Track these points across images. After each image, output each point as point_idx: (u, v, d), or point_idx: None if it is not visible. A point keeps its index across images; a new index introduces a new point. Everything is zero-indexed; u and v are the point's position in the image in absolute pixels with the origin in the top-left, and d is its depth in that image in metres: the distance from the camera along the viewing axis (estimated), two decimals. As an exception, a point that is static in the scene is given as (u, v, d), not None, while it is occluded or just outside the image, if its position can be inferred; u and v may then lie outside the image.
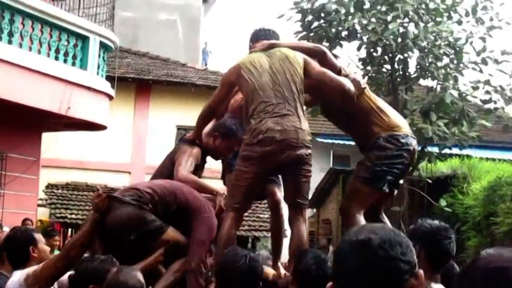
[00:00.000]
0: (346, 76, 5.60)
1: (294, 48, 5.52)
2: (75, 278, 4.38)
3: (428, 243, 3.80)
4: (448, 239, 3.85)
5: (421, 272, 2.04)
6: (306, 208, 5.38)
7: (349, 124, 5.95)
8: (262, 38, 5.61)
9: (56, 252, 11.31)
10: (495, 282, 2.04)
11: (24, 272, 4.66)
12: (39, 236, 5.02)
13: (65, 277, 4.86)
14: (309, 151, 5.19)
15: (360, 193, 5.63)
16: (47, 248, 5.05)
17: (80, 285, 4.30)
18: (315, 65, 5.38)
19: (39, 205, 17.34)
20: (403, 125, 5.72)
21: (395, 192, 6.02)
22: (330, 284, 2.14)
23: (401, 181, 6.19)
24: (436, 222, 3.92)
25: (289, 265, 5.25)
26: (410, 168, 6.16)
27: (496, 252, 2.12)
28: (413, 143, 5.67)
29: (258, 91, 5.17)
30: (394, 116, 5.74)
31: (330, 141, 22.85)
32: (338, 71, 5.56)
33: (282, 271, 5.59)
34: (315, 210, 25.40)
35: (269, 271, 5.48)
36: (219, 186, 6.05)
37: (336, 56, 14.62)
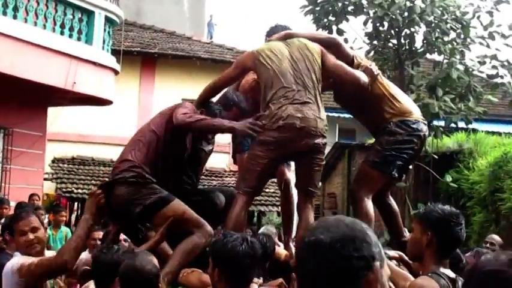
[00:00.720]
0: (359, 65, 5.63)
1: (309, 38, 5.53)
2: (95, 269, 4.30)
3: (440, 229, 3.80)
4: (459, 226, 3.85)
5: (377, 264, 2.00)
6: (315, 196, 5.45)
7: (360, 110, 5.99)
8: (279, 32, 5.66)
9: (63, 228, 11.40)
10: (487, 284, 2.05)
11: (19, 260, 4.64)
12: (17, 226, 4.80)
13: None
14: (325, 140, 5.28)
15: (369, 177, 5.68)
16: (23, 239, 4.79)
17: (101, 277, 4.23)
18: (330, 56, 5.44)
19: (45, 179, 17.37)
20: (414, 110, 5.75)
21: (404, 176, 6.03)
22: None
23: (410, 166, 6.24)
24: (447, 207, 3.92)
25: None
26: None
27: (493, 256, 2.15)
28: (424, 128, 5.72)
29: (278, 76, 5.21)
30: (405, 101, 5.77)
31: (335, 114, 22.71)
32: (351, 61, 5.62)
33: (294, 251, 5.58)
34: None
35: (281, 251, 5.55)
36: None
37: (342, 32, 14.93)
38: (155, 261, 4.15)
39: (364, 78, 5.42)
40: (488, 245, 8.08)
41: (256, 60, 5.33)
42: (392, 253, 4.50)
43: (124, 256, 4.10)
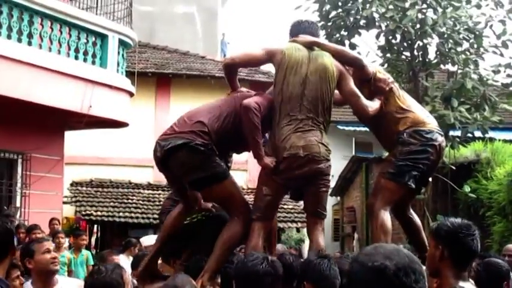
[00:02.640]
0: (379, 81, 5.63)
1: (335, 54, 5.49)
2: None
3: (450, 242, 3.78)
4: (470, 236, 3.80)
5: None
6: (324, 218, 5.47)
7: (376, 125, 5.91)
8: (303, 32, 5.58)
9: (84, 251, 11.44)
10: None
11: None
12: (38, 247, 5.00)
13: None
14: (329, 163, 5.31)
15: (385, 189, 5.63)
16: (47, 257, 4.98)
17: None
18: (348, 81, 5.43)
19: (64, 203, 17.42)
20: (429, 120, 5.71)
21: (423, 188, 5.99)
22: None
23: (429, 178, 6.16)
24: (458, 220, 3.89)
25: None
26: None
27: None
28: (439, 138, 5.66)
29: (285, 103, 5.27)
30: (419, 112, 5.75)
31: (351, 128, 22.76)
32: (370, 79, 5.62)
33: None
34: (339, 198, 25.38)
35: None
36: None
37: (354, 46, 14.94)
38: (193, 282, 4.23)
39: (373, 107, 5.47)
40: (506, 257, 7.98)
41: (280, 60, 5.35)
42: None
43: (114, 275, 3.87)
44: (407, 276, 2.04)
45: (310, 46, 5.43)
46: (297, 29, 5.63)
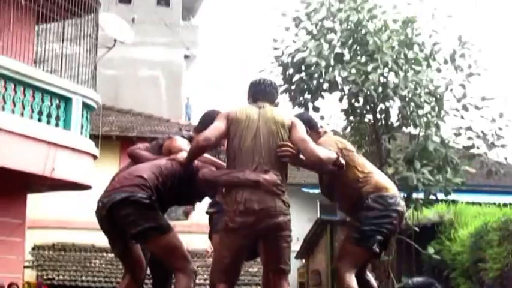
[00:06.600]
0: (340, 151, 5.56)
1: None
2: None
3: None
4: None
5: None
6: (289, 272, 5.28)
7: (335, 189, 5.86)
8: (261, 93, 5.47)
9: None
10: None
11: None
12: None
13: None
14: (288, 218, 5.15)
15: (351, 253, 5.64)
16: None
17: None
18: (299, 129, 5.27)
19: (25, 267, 17.13)
20: (390, 186, 5.80)
21: (383, 252, 6.00)
22: None
23: (390, 241, 6.26)
24: (421, 278, 3.93)
25: None
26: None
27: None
28: (402, 204, 5.76)
29: (238, 158, 5.17)
30: (381, 177, 5.85)
31: (316, 191, 22.71)
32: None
33: None
34: (304, 260, 25.23)
35: None
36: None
37: (318, 109, 15.01)
38: None
39: (325, 153, 5.27)
40: None
41: (232, 120, 5.26)
42: None
43: None
44: None
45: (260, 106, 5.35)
46: (256, 89, 5.51)
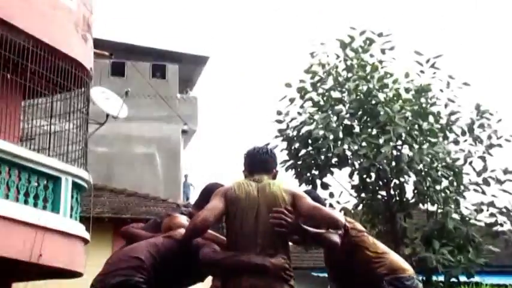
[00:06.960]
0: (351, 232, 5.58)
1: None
2: None
3: None
4: None
5: None
6: None
7: (345, 274, 5.77)
8: (259, 163, 5.28)
9: None
10: None
11: None
12: None
13: None
14: None
15: None
16: None
17: None
18: (304, 200, 5.06)
19: None
20: (407, 267, 5.70)
21: None
22: None
23: None
24: None
25: None
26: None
27: None
28: (419, 285, 5.69)
29: (239, 241, 4.94)
30: (396, 258, 5.74)
31: (326, 274, 21.89)
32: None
33: None
34: None
35: None
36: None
37: (327, 186, 14.44)
38: None
39: (341, 219, 5.14)
40: None
41: (231, 199, 5.04)
42: None
43: None
44: None
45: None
46: (251, 160, 5.33)
